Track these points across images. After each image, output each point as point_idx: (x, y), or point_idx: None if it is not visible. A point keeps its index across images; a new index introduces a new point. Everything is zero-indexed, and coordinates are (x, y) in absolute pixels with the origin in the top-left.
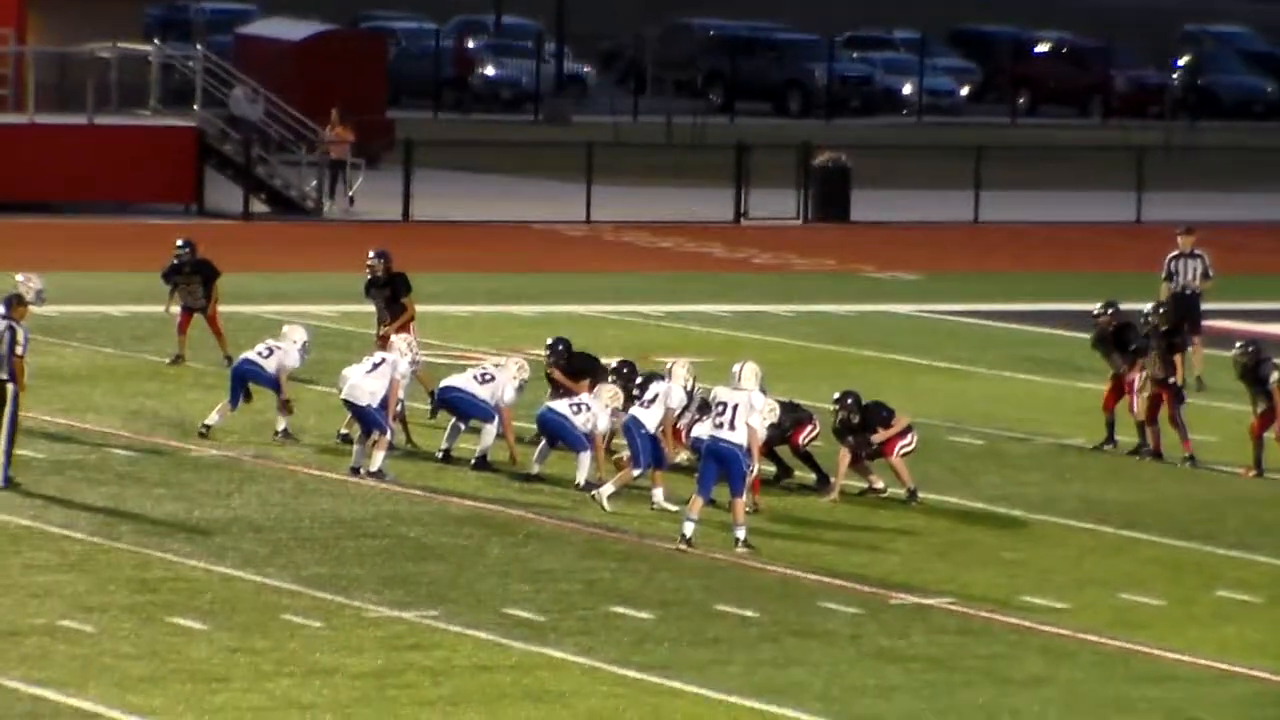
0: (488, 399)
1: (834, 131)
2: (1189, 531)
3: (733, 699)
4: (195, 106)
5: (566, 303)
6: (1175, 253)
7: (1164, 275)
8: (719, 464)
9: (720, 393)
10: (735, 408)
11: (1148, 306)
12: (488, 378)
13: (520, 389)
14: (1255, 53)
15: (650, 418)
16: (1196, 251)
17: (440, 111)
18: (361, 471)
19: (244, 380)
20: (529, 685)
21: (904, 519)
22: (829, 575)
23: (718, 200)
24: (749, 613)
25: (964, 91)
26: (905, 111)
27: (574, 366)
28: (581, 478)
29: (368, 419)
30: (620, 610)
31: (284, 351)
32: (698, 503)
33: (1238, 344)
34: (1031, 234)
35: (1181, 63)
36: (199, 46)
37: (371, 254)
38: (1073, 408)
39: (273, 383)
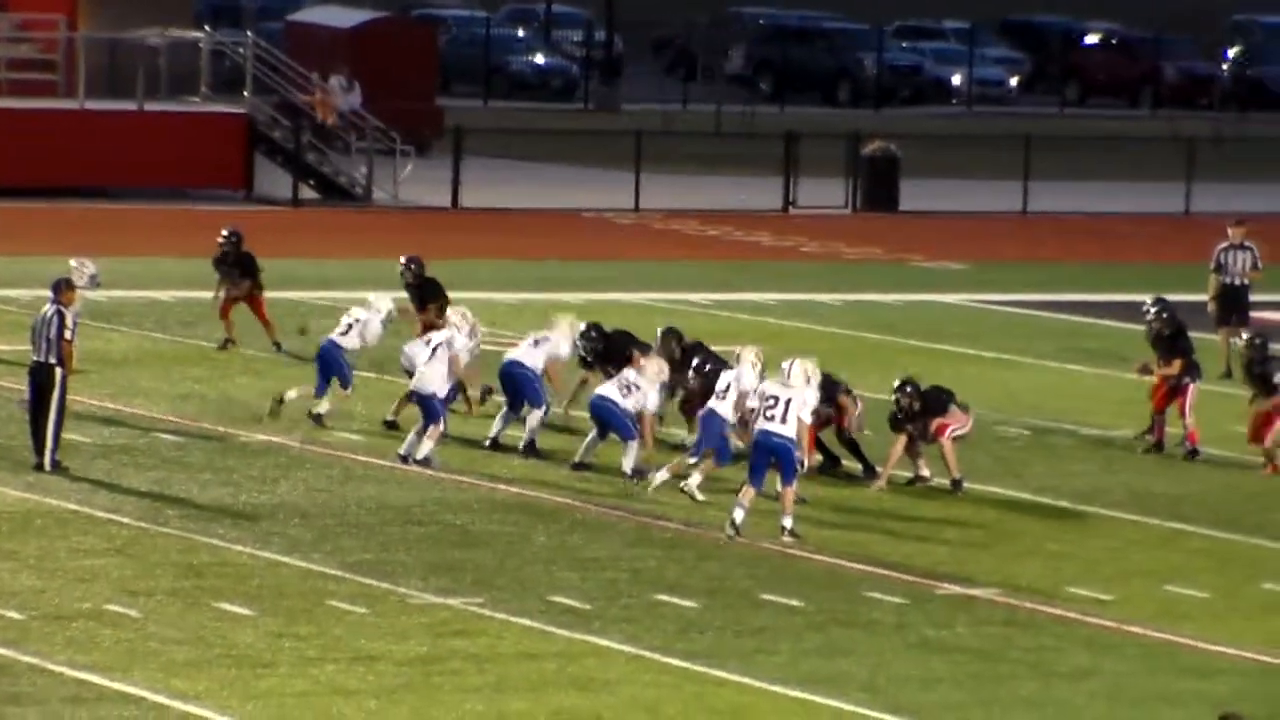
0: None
1: (883, 121)
2: (1235, 524)
3: (777, 688)
4: (245, 93)
5: (614, 290)
6: (1225, 244)
7: (1213, 266)
8: (770, 456)
9: (769, 387)
10: (788, 402)
11: (1152, 310)
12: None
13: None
14: None
15: (728, 409)
16: (1246, 243)
17: (490, 99)
18: (410, 460)
19: (329, 363)
20: (574, 673)
21: (950, 509)
22: (875, 565)
23: (766, 189)
24: (794, 602)
25: (1013, 82)
26: (955, 101)
27: (611, 348)
28: (628, 465)
29: (428, 408)
30: (666, 599)
31: (364, 323)
32: (750, 492)
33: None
34: (1080, 224)
35: (1231, 54)
36: (249, 33)
37: (403, 259)
38: (1119, 398)
39: (343, 368)
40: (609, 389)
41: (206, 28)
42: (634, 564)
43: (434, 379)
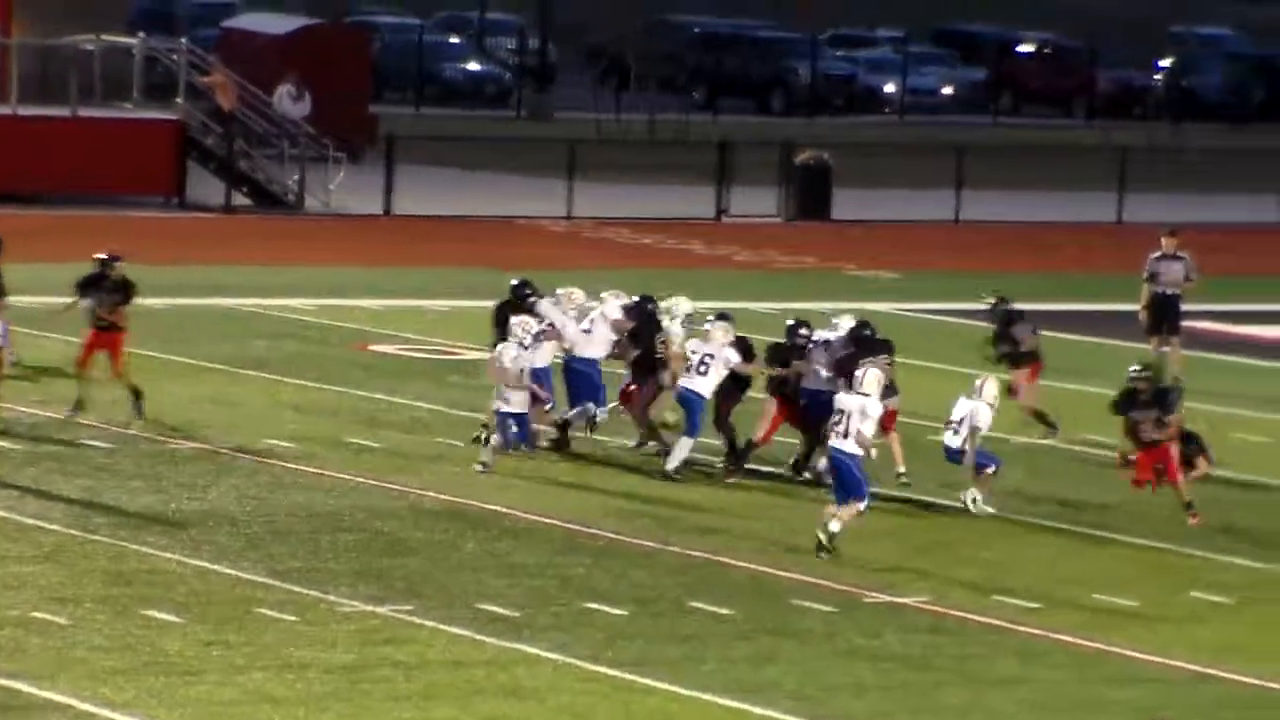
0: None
1: (816, 130)
2: (1163, 533)
3: (706, 697)
4: (178, 99)
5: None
6: (1158, 253)
7: (1145, 276)
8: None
9: (841, 399)
10: (849, 416)
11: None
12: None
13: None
14: (1240, 54)
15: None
16: (1179, 254)
17: (422, 106)
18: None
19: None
20: (503, 681)
21: (879, 518)
22: (804, 573)
23: (699, 197)
24: (723, 610)
25: (946, 91)
26: (888, 110)
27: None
28: (675, 462)
29: (520, 422)
30: (594, 607)
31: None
32: (831, 507)
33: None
34: (1012, 234)
35: (1165, 64)
36: (182, 40)
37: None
38: (1050, 408)
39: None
40: (694, 381)
41: (140, 34)
42: (563, 572)
43: (517, 400)
